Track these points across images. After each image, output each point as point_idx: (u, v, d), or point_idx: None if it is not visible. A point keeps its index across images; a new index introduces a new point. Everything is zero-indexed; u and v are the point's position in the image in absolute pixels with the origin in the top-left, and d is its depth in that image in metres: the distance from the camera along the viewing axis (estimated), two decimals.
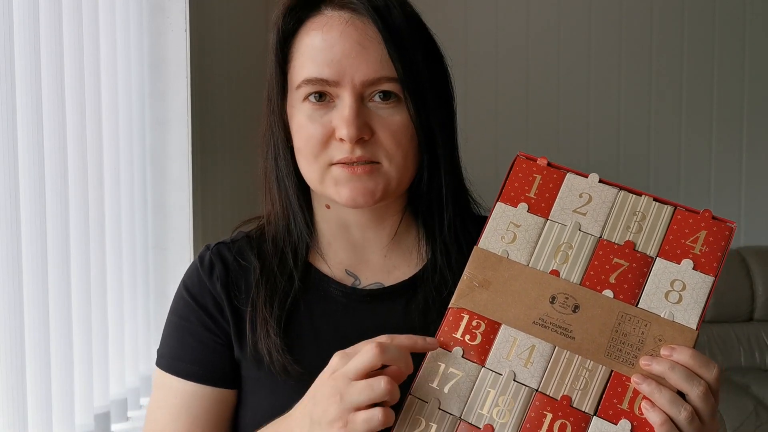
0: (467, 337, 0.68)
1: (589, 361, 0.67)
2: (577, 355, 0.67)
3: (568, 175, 0.73)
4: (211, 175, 1.72)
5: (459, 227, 0.83)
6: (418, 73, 0.77)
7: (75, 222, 1.19)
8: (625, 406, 0.65)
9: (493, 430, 0.65)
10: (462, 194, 0.85)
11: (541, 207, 0.72)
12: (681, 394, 0.64)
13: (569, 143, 3.01)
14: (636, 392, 0.65)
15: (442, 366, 0.68)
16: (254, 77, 2.28)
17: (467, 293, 0.70)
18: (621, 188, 0.72)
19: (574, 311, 0.68)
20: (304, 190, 0.82)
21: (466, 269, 0.71)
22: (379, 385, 0.61)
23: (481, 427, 0.65)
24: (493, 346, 0.68)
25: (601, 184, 0.73)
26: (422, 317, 0.79)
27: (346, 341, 0.75)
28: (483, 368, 0.67)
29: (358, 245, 0.83)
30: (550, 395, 0.66)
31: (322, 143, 0.75)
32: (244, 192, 1.93)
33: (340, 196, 0.75)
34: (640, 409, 0.64)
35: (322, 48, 0.74)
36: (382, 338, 0.65)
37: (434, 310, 0.79)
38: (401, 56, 0.75)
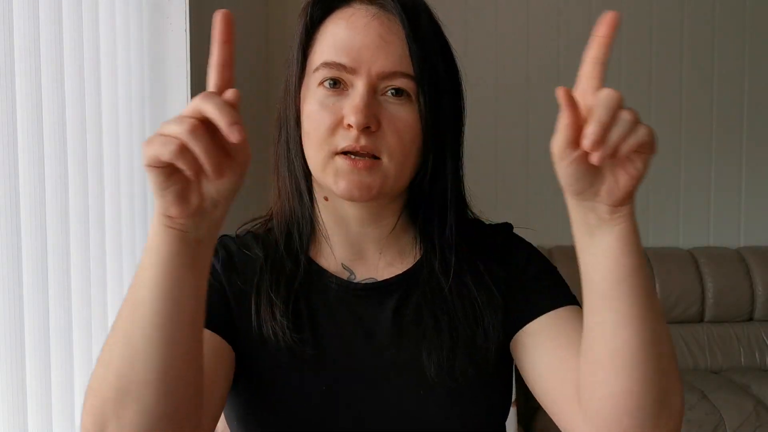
0: None
1: None
2: None
3: None
4: None
5: (456, 230, 0.84)
6: (434, 76, 0.78)
7: (75, 222, 1.18)
8: None
9: None
10: (461, 199, 0.86)
11: None
12: None
13: None
14: None
15: None
16: (254, 77, 2.28)
17: None
18: None
19: None
20: (309, 179, 0.84)
21: None
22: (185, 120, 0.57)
23: None
24: None
25: None
26: (414, 312, 0.81)
27: (342, 331, 0.81)
28: None
29: (355, 240, 0.85)
30: None
31: (330, 129, 0.76)
32: (244, 192, 1.93)
33: (338, 187, 0.77)
34: None
35: (345, 36, 0.77)
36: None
37: (426, 306, 0.81)
38: (420, 56, 0.77)
